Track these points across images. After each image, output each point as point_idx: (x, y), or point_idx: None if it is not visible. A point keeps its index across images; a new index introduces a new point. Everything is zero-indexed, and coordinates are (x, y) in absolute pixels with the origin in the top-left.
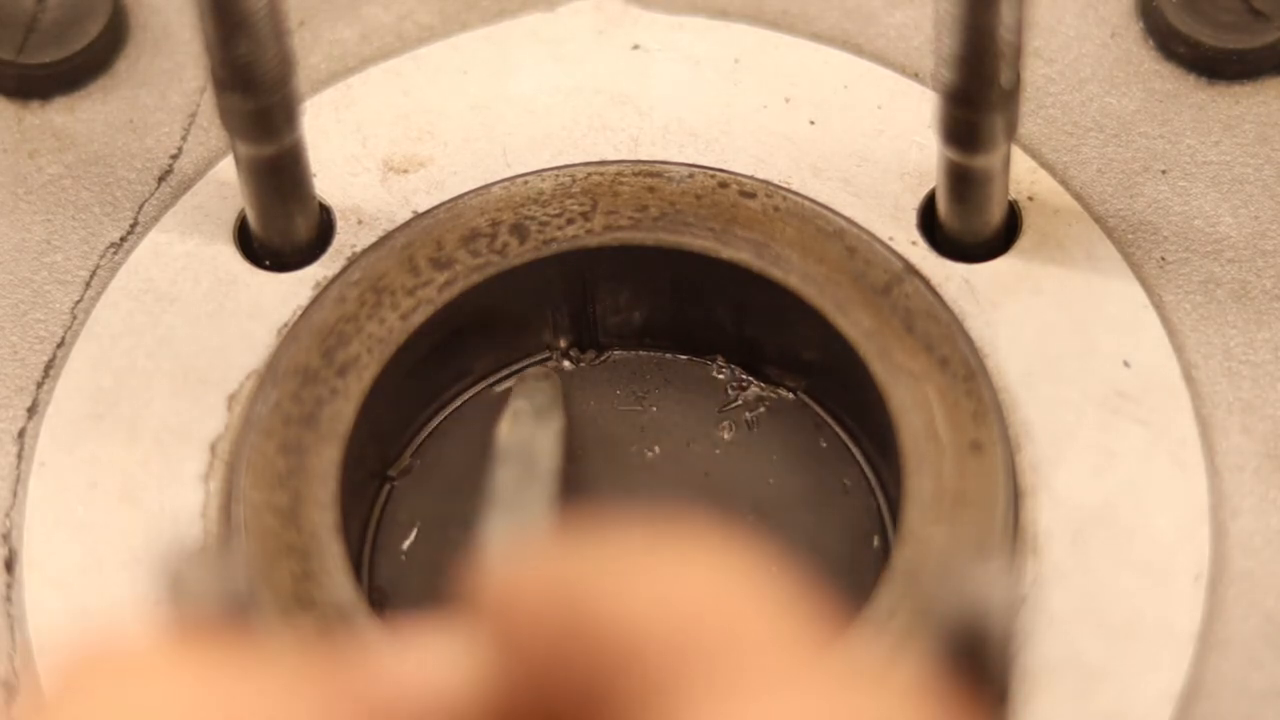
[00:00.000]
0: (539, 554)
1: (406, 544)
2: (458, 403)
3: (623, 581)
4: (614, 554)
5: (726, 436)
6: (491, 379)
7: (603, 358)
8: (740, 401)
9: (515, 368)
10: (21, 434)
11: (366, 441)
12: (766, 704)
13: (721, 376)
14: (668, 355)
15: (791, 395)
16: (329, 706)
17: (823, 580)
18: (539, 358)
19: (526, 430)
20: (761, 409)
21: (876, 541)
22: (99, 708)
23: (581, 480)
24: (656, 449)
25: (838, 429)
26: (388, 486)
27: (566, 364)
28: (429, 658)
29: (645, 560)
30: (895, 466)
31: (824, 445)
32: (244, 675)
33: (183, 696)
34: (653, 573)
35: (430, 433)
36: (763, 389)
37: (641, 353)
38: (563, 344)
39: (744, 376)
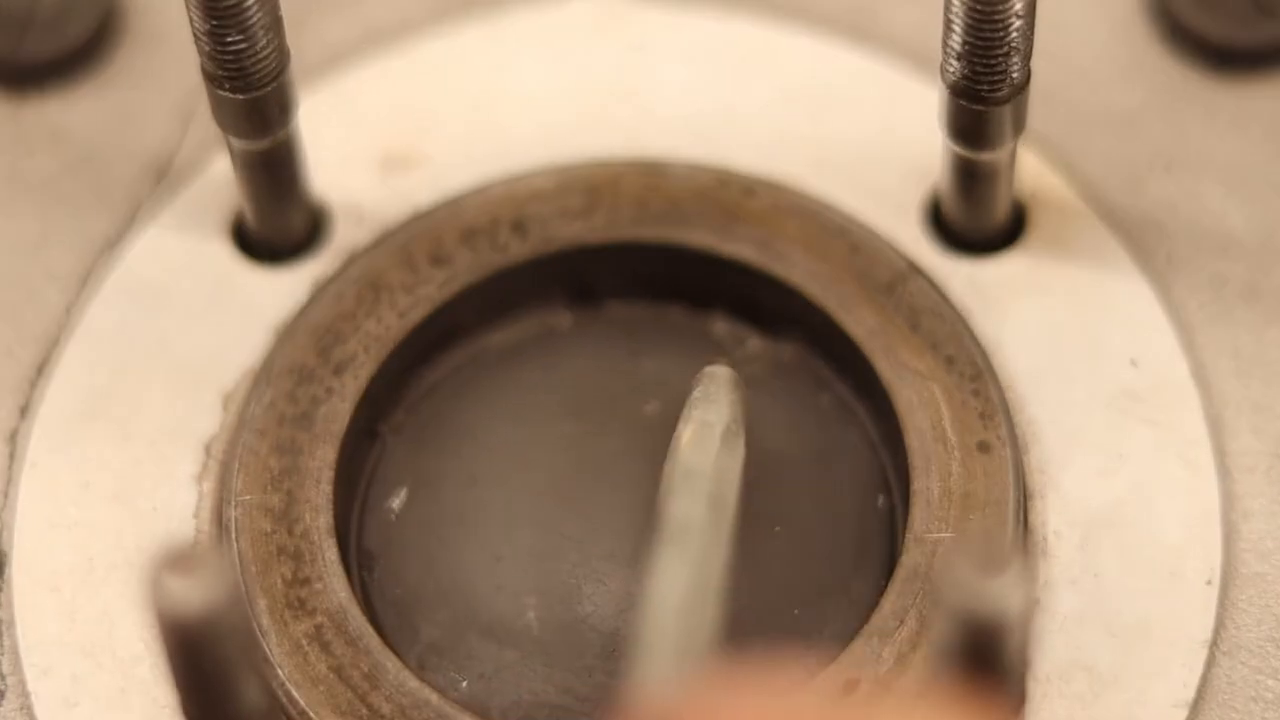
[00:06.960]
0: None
1: (396, 503)
2: (453, 362)
3: None
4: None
5: None
6: (486, 338)
7: (599, 311)
8: (740, 355)
9: (510, 329)
10: (14, 434)
11: (363, 441)
12: None
13: (720, 330)
14: (665, 308)
15: (792, 348)
16: None
17: (828, 541)
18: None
19: (710, 451)
20: (761, 364)
21: (881, 500)
22: None
23: (581, 437)
24: (655, 403)
25: (839, 384)
26: (379, 443)
27: (562, 319)
28: None
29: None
30: (902, 467)
31: (825, 401)
32: None
33: None
34: None
35: (425, 391)
36: (763, 342)
37: (638, 306)
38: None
39: (743, 329)
